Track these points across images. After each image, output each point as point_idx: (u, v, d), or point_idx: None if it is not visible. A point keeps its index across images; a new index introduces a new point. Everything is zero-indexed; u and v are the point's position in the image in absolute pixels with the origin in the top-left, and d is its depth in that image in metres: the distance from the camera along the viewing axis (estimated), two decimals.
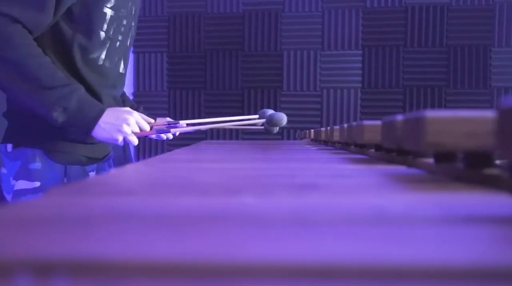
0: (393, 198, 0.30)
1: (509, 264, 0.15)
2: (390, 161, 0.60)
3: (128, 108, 1.01)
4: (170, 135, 1.28)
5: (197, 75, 2.59)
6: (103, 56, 1.03)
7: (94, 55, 1.01)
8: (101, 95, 1.03)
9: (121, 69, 1.12)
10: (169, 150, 1.24)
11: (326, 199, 0.30)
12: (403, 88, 2.47)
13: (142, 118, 1.02)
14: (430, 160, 0.46)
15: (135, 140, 1.00)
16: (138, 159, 2.53)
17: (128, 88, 2.60)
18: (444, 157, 0.43)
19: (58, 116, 0.91)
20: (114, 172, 0.47)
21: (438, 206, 0.27)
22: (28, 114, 0.96)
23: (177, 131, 1.14)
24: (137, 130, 0.99)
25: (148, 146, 2.62)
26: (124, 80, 1.17)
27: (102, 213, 0.25)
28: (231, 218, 0.23)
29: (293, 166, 0.58)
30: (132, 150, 2.48)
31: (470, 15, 2.42)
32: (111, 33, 1.03)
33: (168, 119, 1.23)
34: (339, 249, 0.17)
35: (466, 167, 0.38)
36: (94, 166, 1.09)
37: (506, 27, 2.40)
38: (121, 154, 2.22)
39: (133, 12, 1.12)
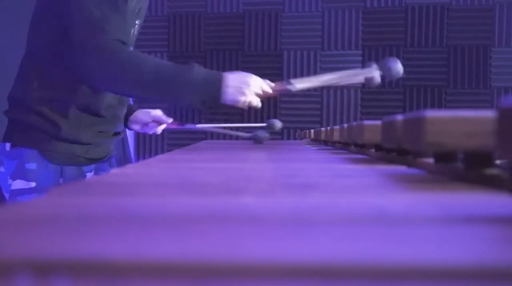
0: (393, 198, 0.30)
1: (509, 264, 0.15)
2: (390, 161, 0.60)
3: (248, 74, 1.02)
4: (159, 130, 1.31)
5: None
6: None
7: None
8: (101, 92, 1.02)
9: None
10: (169, 150, 1.24)
11: (326, 199, 0.30)
12: (403, 88, 2.47)
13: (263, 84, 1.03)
14: (430, 160, 0.46)
15: (258, 103, 1.01)
16: (138, 159, 2.53)
17: None
18: (444, 156, 0.43)
19: (188, 98, 0.95)
20: (114, 172, 0.47)
21: (438, 206, 0.27)
22: (27, 114, 0.95)
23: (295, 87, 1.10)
24: (260, 92, 1.00)
25: (148, 146, 2.62)
26: None
27: (102, 213, 0.25)
28: (231, 218, 0.23)
29: (293, 166, 0.58)
30: (132, 149, 2.48)
31: (470, 15, 2.42)
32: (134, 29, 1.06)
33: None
34: (339, 249, 0.17)
35: (466, 167, 0.38)
36: (93, 166, 1.07)
37: (506, 27, 2.40)
38: (121, 154, 2.22)
39: (140, 11, 1.12)
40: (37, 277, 0.14)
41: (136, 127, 1.31)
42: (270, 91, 1.02)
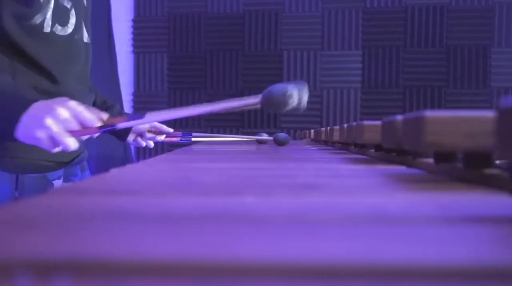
0: (393, 198, 0.30)
1: (509, 264, 0.15)
2: (390, 161, 0.60)
3: (62, 98, 0.71)
4: (151, 143, 1.10)
5: (197, 76, 2.59)
6: (48, 21, 0.80)
7: (36, 20, 0.78)
8: (56, 73, 0.82)
9: (85, 39, 0.90)
10: (169, 150, 1.23)
11: (326, 199, 0.30)
12: (403, 88, 2.47)
13: (90, 111, 0.71)
14: (430, 160, 0.46)
15: (69, 143, 0.68)
16: (138, 159, 2.53)
17: (128, 89, 2.60)
18: (444, 157, 0.43)
19: None
20: (114, 172, 0.47)
21: (438, 206, 0.27)
22: None
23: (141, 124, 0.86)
24: (73, 126, 0.68)
25: None
26: (90, 54, 0.94)
27: (102, 213, 0.25)
28: (231, 218, 0.23)
29: (293, 166, 0.58)
30: (132, 149, 2.48)
31: (470, 15, 2.42)
32: None
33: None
34: (339, 249, 0.17)
35: (466, 167, 0.38)
36: (61, 172, 0.87)
37: (506, 27, 2.40)
38: (121, 154, 2.22)
39: None
40: (37, 277, 0.14)
41: (130, 137, 1.10)
42: (95, 124, 0.69)
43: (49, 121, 0.66)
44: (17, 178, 0.79)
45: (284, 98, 0.69)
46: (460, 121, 0.36)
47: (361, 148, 0.78)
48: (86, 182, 0.38)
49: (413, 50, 2.46)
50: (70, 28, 0.85)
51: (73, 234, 0.20)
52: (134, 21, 2.59)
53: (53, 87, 0.82)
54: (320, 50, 2.50)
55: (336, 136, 1.02)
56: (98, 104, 1.04)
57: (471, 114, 0.36)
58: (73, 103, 0.69)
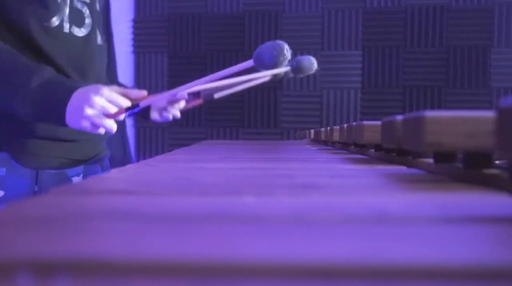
0: (393, 198, 0.31)
1: (509, 264, 0.15)
2: (390, 161, 0.60)
3: (97, 86, 0.79)
4: (177, 113, 1.10)
5: (197, 76, 2.57)
6: (66, 22, 0.85)
7: (55, 21, 0.83)
8: (73, 74, 0.86)
9: (98, 41, 0.94)
10: (169, 150, 1.23)
11: (326, 199, 0.30)
12: (403, 88, 2.47)
13: (118, 92, 0.79)
14: (430, 160, 0.46)
15: (110, 125, 0.78)
16: (138, 159, 2.53)
17: None
18: (444, 157, 0.43)
19: (22, 110, 0.76)
20: (114, 172, 0.47)
21: (438, 206, 0.27)
22: None
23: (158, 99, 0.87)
24: (111, 110, 0.78)
25: (148, 146, 2.62)
26: (106, 55, 1.00)
27: (102, 212, 0.25)
28: (231, 218, 0.23)
29: (293, 166, 0.58)
30: (132, 149, 2.48)
31: (470, 15, 2.42)
32: None
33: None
34: (339, 249, 0.17)
35: (466, 167, 0.38)
36: (80, 168, 0.91)
37: (506, 27, 2.40)
38: (121, 154, 2.22)
39: None
40: (37, 277, 0.14)
41: (155, 115, 1.11)
42: (126, 104, 0.79)
43: (89, 111, 0.76)
44: (37, 173, 0.84)
45: (274, 55, 0.71)
46: (460, 121, 0.36)
47: (361, 148, 0.78)
48: (86, 182, 0.38)
49: (413, 50, 2.46)
50: (86, 29, 0.89)
51: (73, 234, 0.20)
52: (134, 21, 2.59)
53: None
54: (320, 50, 2.51)
55: (336, 137, 1.02)
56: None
57: (471, 114, 0.36)
58: (106, 91, 0.78)
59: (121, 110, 0.79)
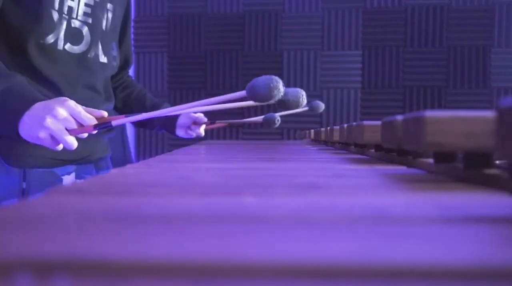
0: (393, 198, 0.30)
1: (509, 264, 0.15)
2: (390, 161, 0.60)
3: (62, 98, 0.75)
4: (202, 132, 1.23)
5: (197, 76, 2.59)
6: (61, 40, 0.86)
7: (50, 39, 0.84)
8: (63, 87, 0.87)
9: (100, 59, 0.95)
10: (169, 150, 1.23)
11: (326, 199, 0.30)
12: (403, 88, 2.47)
13: (88, 111, 0.76)
14: (430, 160, 0.46)
15: (70, 141, 0.73)
16: (138, 159, 2.53)
17: None
18: (444, 157, 0.43)
19: None
20: (114, 172, 0.47)
21: (438, 206, 0.27)
22: None
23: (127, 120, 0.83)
24: (72, 125, 0.73)
25: (148, 146, 2.62)
26: (110, 71, 1.01)
27: (102, 213, 0.25)
28: (231, 218, 0.23)
29: (293, 166, 0.58)
30: (132, 149, 2.48)
31: (470, 15, 2.42)
32: (66, 11, 0.86)
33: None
34: (339, 249, 0.17)
35: (466, 167, 0.38)
36: (71, 168, 0.92)
37: (506, 27, 2.40)
38: (121, 154, 2.23)
39: None
40: (37, 277, 0.14)
41: (181, 133, 1.22)
42: (90, 122, 0.74)
43: (49, 121, 0.70)
44: (24, 171, 0.84)
45: (267, 88, 0.68)
46: (460, 121, 0.36)
47: (361, 148, 0.78)
48: (86, 182, 0.38)
49: (413, 50, 2.46)
50: (84, 46, 0.91)
51: (73, 234, 0.20)
52: (134, 21, 2.59)
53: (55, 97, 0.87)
54: (320, 50, 2.51)
55: (336, 137, 1.02)
56: (147, 107, 1.16)
57: (471, 114, 0.36)
58: (72, 103, 0.73)
59: (88, 128, 0.75)
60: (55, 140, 0.73)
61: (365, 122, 0.67)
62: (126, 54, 1.16)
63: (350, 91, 2.50)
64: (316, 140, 1.50)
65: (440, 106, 2.44)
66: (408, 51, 2.47)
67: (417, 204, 0.28)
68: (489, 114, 0.35)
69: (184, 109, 0.82)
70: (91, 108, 0.78)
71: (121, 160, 2.29)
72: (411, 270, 0.15)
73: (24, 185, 0.85)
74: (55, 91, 0.86)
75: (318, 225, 0.21)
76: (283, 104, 0.81)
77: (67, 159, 0.91)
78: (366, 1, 2.48)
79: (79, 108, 0.74)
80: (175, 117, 1.19)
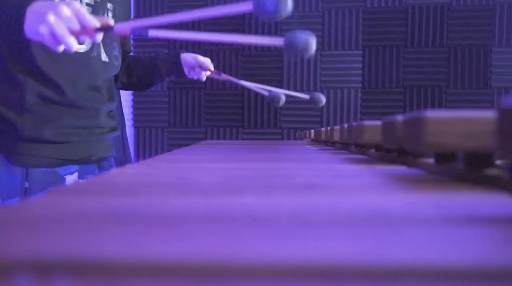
0: (393, 198, 0.30)
1: (509, 264, 0.15)
2: (390, 161, 0.60)
3: (68, 1, 0.74)
4: (204, 76, 1.22)
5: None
6: None
7: None
8: (64, 86, 0.87)
9: (102, 58, 0.96)
10: (169, 150, 1.23)
11: (326, 199, 0.30)
12: (403, 88, 2.47)
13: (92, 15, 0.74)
14: (430, 160, 0.46)
15: (70, 42, 0.70)
16: (138, 159, 2.53)
17: None
18: (444, 157, 0.43)
19: None
20: (114, 172, 0.47)
21: (438, 206, 0.27)
22: None
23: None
24: (74, 26, 0.70)
25: (148, 146, 2.62)
26: (113, 71, 1.01)
27: (102, 213, 0.25)
28: (231, 218, 0.23)
29: (293, 166, 0.58)
30: (132, 149, 2.48)
31: (470, 15, 2.42)
32: None
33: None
34: (339, 249, 0.17)
35: (466, 167, 0.38)
36: (74, 167, 0.93)
37: (506, 27, 2.40)
38: (121, 154, 2.22)
39: None
40: (37, 277, 0.14)
41: (184, 70, 1.20)
42: (93, 23, 0.71)
43: (51, 18, 0.69)
44: (26, 171, 0.85)
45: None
46: (461, 122, 0.36)
47: (362, 148, 0.78)
48: (87, 182, 0.38)
49: (413, 50, 2.46)
50: (87, 46, 0.90)
51: (73, 234, 0.20)
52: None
53: (58, 98, 0.88)
54: (320, 50, 2.51)
55: (336, 137, 1.02)
56: (146, 63, 1.16)
57: (471, 114, 0.36)
58: (77, 4, 0.72)
59: (90, 30, 0.72)
60: (56, 39, 0.70)
61: (365, 122, 0.67)
62: (126, 50, 1.16)
63: (350, 91, 2.50)
64: (316, 141, 1.50)
65: (440, 106, 2.44)
66: (408, 51, 2.47)
67: (417, 204, 0.28)
68: (489, 114, 0.35)
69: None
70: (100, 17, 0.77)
71: (121, 160, 2.29)
72: (411, 270, 0.15)
73: (26, 184, 0.85)
74: (58, 91, 0.87)
75: (318, 225, 0.21)
76: (292, 44, 0.81)
77: (70, 158, 0.91)
78: (367, 1, 2.48)
79: (84, 10, 0.72)
80: (178, 56, 1.18)
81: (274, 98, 1.33)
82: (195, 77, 1.23)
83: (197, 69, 1.20)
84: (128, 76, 1.17)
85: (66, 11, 0.70)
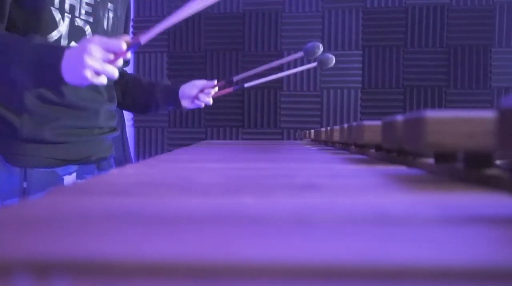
0: (393, 198, 0.30)
1: (509, 264, 0.15)
2: (390, 161, 0.60)
3: (86, 39, 0.80)
4: (210, 100, 1.18)
5: (197, 75, 2.57)
6: (65, 38, 0.88)
7: (53, 36, 0.86)
8: (65, 88, 0.88)
9: None
10: (169, 150, 1.23)
11: (326, 199, 0.30)
12: (403, 88, 2.47)
13: (114, 39, 0.80)
14: (430, 160, 0.46)
15: (112, 71, 0.78)
16: (138, 159, 2.53)
17: None
18: (444, 157, 0.43)
19: (21, 76, 0.77)
20: (114, 172, 0.47)
21: (438, 206, 0.27)
22: None
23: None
24: (107, 56, 0.77)
25: (148, 146, 2.62)
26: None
27: (102, 213, 0.25)
28: (231, 218, 0.23)
29: (293, 166, 0.58)
30: (132, 149, 2.49)
31: (470, 15, 2.42)
32: (68, 10, 0.88)
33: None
34: (339, 249, 0.17)
35: (466, 167, 0.38)
36: (73, 168, 0.94)
37: (506, 27, 2.40)
38: (121, 154, 2.23)
39: None
40: (37, 277, 0.14)
41: (186, 103, 1.18)
42: (122, 47, 0.78)
43: (88, 61, 0.75)
44: (25, 171, 0.86)
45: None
46: (461, 122, 0.36)
47: (361, 148, 0.78)
48: (86, 182, 0.38)
49: (413, 50, 2.46)
50: None
51: (73, 235, 0.20)
52: (134, 21, 2.59)
53: (57, 99, 0.88)
54: None
55: (336, 137, 1.02)
56: (144, 86, 1.15)
57: (471, 114, 0.36)
58: (97, 38, 0.78)
59: (122, 52, 0.78)
60: (98, 74, 0.77)
61: (365, 122, 0.67)
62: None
63: (350, 91, 2.50)
64: (316, 141, 1.50)
65: (440, 106, 2.44)
66: (408, 51, 2.47)
67: (417, 204, 0.28)
68: (489, 114, 0.35)
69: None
70: (112, 38, 0.82)
71: (121, 160, 2.30)
72: (411, 270, 0.15)
73: (25, 185, 0.86)
74: (57, 92, 0.87)
75: (318, 225, 0.21)
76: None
77: (69, 159, 0.92)
78: (366, 1, 2.48)
79: (105, 39, 0.78)
80: (176, 89, 1.16)
81: (323, 61, 1.26)
82: (202, 106, 1.20)
83: (200, 95, 1.17)
84: (123, 94, 1.15)
85: (95, 48, 0.76)
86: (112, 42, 0.78)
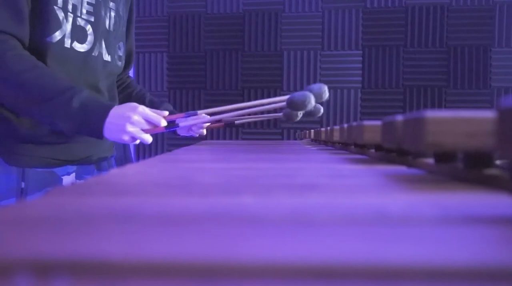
0: (393, 198, 0.30)
1: (509, 264, 0.15)
2: (390, 161, 0.60)
3: (132, 104, 0.88)
4: (204, 131, 1.28)
5: (197, 75, 2.59)
6: (68, 38, 0.89)
7: (57, 36, 0.87)
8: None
9: (105, 57, 0.99)
10: (169, 150, 1.23)
11: (326, 199, 0.30)
12: (403, 88, 2.47)
13: (153, 111, 0.90)
14: (430, 160, 0.46)
15: (147, 138, 0.88)
16: (138, 159, 2.53)
17: None
18: (444, 157, 0.43)
19: (64, 125, 0.82)
20: (114, 171, 0.47)
21: (438, 206, 0.27)
22: None
23: (191, 122, 1.01)
24: (146, 126, 0.88)
25: (148, 146, 2.62)
26: (115, 70, 1.05)
27: (102, 213, 0.25)
28: (230, 218, 0.23)
29: (293, 166, 0.58)
30: (132, 150, 2.48)
31: (470, 15, 2.42)
32: (71, 9, 0.89)
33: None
34: (339, 249, 0.17)
35: (466, 167, 0.38)
36: (72, 168, 0.96)
37: (506, 27, 2.40)
38: (121, 154, 2.23)
39: None
40: (37, 277, 0.14)
41: (183, 132, 1.25)
42: (161, 123, 0.89)
43: (129, 127, 0.85)
44: (23, 171, 0.87)
45: (304, 104, 0.97)
46: (461, 122, 0.36)
47: (361, 148, 0.78)
48: (86, 182, 0.38)
49: (413, 50, 2.46)
50: (88, 45, 0.93)
51: (73, 235, 0.20)
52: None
53: None
54: (320, 50, 2.51)
55: (336, 137, 1.02)
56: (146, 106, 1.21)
57: (471, 114, 0.36)
58: (141, 108, 0.88)
59: (160, 128, 0.90)
60: (134, 138, 0.88)
61: (365, 122, 0.67)
62: (128, 54, 1.17)
63: (350, 91, 2.50)
64: (316, 141, 1.50)
65: (440, 106, 2.44)
66: (408, 51, 2.47)
67: (417, 204, 0.28)
68: (489, 114, 0.35)
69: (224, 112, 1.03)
70: (154, 109, 0.92)
71: (121, 160, 2.30)
72: (411, 270, 0.15)
73: (22, 185, 0.87)
74: None
75: (318, 225, 0.21)
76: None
77: (68, 159, 0.92)
78: (366, 1, 2.48)
79: (147, 111, 0.88)
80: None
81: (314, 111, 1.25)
82: (196, 135, 1.28)
83: (194, 127, 1.24)
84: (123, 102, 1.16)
85: (137, 118, 0.86)
86: (154, 117, 0.88)
